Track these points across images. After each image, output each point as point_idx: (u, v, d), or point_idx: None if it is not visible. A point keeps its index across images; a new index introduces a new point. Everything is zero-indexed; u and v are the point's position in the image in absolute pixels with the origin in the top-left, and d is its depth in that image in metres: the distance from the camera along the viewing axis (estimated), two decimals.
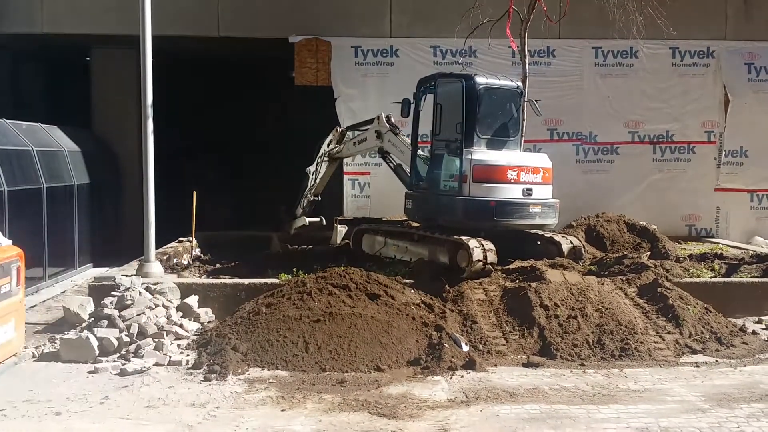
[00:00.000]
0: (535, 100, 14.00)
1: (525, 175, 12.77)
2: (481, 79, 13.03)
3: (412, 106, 13.68)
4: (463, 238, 12.12)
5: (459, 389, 8.56)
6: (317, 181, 16.01)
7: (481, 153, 12.74)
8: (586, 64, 18.89)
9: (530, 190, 12.80)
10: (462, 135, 12.77)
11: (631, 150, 19.04)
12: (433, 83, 13.57)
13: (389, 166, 15.00)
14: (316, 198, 16.16)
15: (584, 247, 13.88)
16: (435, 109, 13.33)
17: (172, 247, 15.59)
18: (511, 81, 13.69)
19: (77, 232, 16.45)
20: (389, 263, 13.41)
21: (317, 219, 16.11)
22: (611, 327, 10.16)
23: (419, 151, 13.99)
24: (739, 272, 13.27)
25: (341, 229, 15.69)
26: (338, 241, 15.54)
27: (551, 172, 13.23)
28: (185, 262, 14.76)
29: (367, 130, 15.10)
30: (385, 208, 17.09)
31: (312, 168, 16.01)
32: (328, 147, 15.95)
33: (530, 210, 12.73)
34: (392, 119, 14.53)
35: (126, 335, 9.89)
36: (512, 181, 12.67)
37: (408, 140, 14.27)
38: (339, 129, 16.12)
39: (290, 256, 14.81)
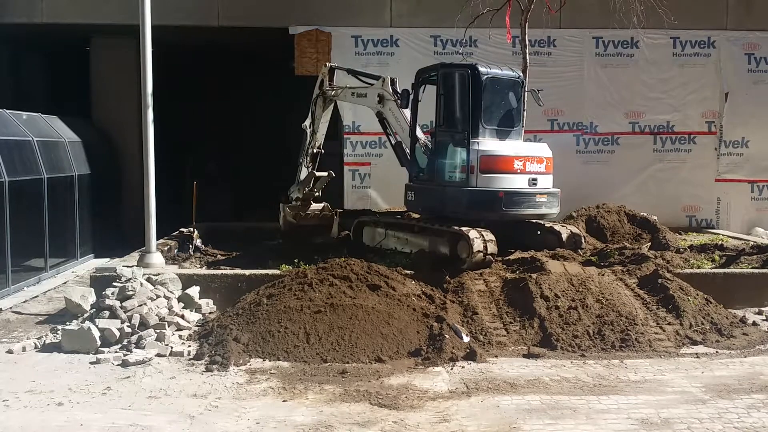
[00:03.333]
0: (537, 90, 13.97)
1: (530, 164, 12.80)
2: (485, 69, 13.00)
3: (411, 97, 13.60)
4: (464, 228, 12.12)
5: (460, 380, 8.58)
6: (317, 129, 15.33)
7: (487, 143, 12.73)
8: (587, 54, 18.86)
9: (535, 179, 12.84)
10: (468, 125, 12.74)
11: (632, 140, 19.03)
12: (434, 73, 13.50)
13: (388, 139, 14.62)
14: (320, 150, 15.47)
15: (584, 237, 13.90)
16: (438, 99, 13.28)
17: (173, 238, 15.59)
18: (512, 70, 13.67)
19: (78, 223, 16.43)
20: (390, 254, 13.41)
21: (325, 173, 15.40)
22: (612, 318, 10.18)
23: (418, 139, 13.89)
24: (740, 263, 13.29)
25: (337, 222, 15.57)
26: (337, 233, 15.49)
27: (552, 161, 13.26)
28: (186, 253, 14.77)
29: (370, 86, 14.60)
30: (386, 198, 17.07)
31: (308, 121, 15.42)
32: (320, 88, 15.32)
33: (537, 200, 12.78)
34: (397, 86, 14.02)
35: (127, 326, 9.91)
36: (518, 171, 12.69)
37: (409, 116, 14.06)
38: (329, 65, 15.54)
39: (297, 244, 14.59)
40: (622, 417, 7.48)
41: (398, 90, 14.00)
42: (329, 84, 15.32)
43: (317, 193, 15.71)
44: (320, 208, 15.72)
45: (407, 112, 13.96)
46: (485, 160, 12.55)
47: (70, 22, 18.24)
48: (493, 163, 12.59)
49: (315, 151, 15.46)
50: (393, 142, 14.48)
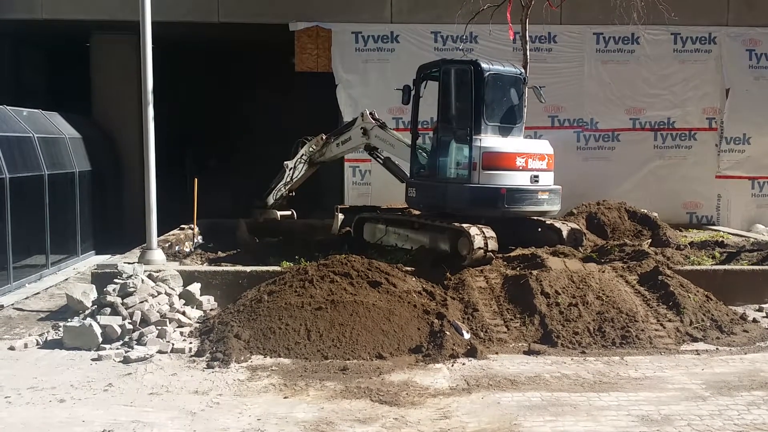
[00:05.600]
0: (540, 87, 13.96)
1: (532, 161, 12.79)
2: (487, 65, 12.99)
3: (412, 93, 13.62)
4: (464, 225, 12.12)
5: (460, 377, 8.60)
6: (293, 180, 15.92)
7: (489, 140, 12.70)
8: (588, 50, 18.87)
9: (537, 176, 12.82)
10: (471, 122, 12.73)
11: (632, 137, 19.04)
12: (435, 69, 13.49)
13: (378, 161, 15.05)
14: (291, 194, 16.06)
15: (585, 234, 13.90)
16: (440, 96, 13.27)
17: (174, 235, 15.60)
18: (514, 67, 13.65)
19: (79, 220, 16.44)
20: (390, 251, 13.42)
21: (288, 212, 16.03)
22: (612, 315, 10.20)
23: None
24: (740, 260, 13.31)
25: (340, 217, 15.66)
26: (338, 229, 15.53)
27: (553, 158, 13.25)
28: (187, 250, 14.78)
29: (350, 129, 15.10)
30: (386, 195, 17.07)
31: (291, 164, 15.85)
32: (309, 150, 15.82)
33: (539, 197, 12.77)
34: (376, 114, 14.57)
35: (129, 323, 9.93)
36: (521, 168, 12.68)
37: (396, 133, 14.33)
38: (324, 136, 15.90)
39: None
40: (623, 414, 7.49)
41: (378, 117, 14.53)
42: (318, 151, 15.67)
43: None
44: (288, 214, 16.30)
45: (393, 132, 14.33)
46: (487, 157, 12.53)
47: (70, 18, 18.24)
48: (496, 160, 12.58)
49: (286, 194, 16.04)
50: (381, 160, 14.71)
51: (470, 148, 12.65)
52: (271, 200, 16.04)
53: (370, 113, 14.57)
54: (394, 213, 14.88)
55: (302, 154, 15.82)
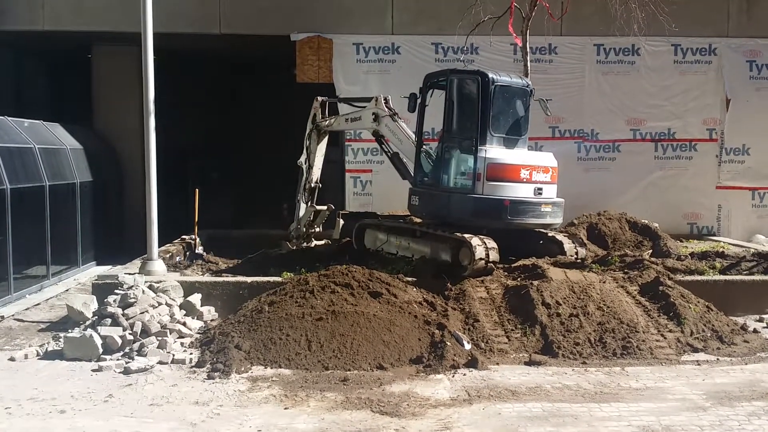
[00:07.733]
0: (546, 100, 13.95)
1: (536, 174, 12.79)
2: (494, 76, 12.96)
3: (418, 101, 13.60)
4: (466, 236, 12.12)
5: (461, 387, 8.59)
6: (313, 163, 15.53)
7: (494, 151, 12.70)
8: (588, 61, 18.92)
9: (540, 189, 12.81)
10: (476, 133, 12.73)
11: (633, 148, 19.07)
12: (443, 79, 13.45)
13: (385, 152, 14.79)
14: (318, 185, 15.64)
15: (586, 245, 13.90)
16: (446, 105, 13.26)
17: (175, 245, 15.61)
18: (521, 79, 13.65)
19: (80, 231, 16.46)
20: (391, 260, 13.39)
21: (325, 207, 15.57)
22: (613, 325, 10.19)
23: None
24: (740, 270, 13.29)
25: (340, 223, 15.60)
26: (338, 236, 15.49)
27: (557, 171, 13.25)
28: (188, 261, 14.79)
29: (363, 108, 14.77)
30: (387, 205, 17.09)
31: (303, 158, 15.57)
32: (313, 122, 15.47)
33: (542, 209, 12.75)
34: (390, 103, 14.27)
35: (129, 333, 9.93)
36: (525, 180, 12.67)
37: (407, 128, 14.13)
38: (320, 98, 15.58)
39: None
40: (623, 424, 7.49)
41: (391, 106, 14.17)
42: (322, 117, 15.40)
43: (317, 229, 15.83)
44: (322, 244, 15.77)
45: (404, 125, 14.07)
46: (492, 168, 12.53)
47: (71, 30, 18.30)
48: (500, 172, 12.57)
49: (312, 185, 15.61)
50: (390, 155, 14.55)
51: (475, 159, 12.64)
52: (303, 209, 15.62)
53: (385, 99, 14.24)
54: (395, 220, 14.85)
55: (309, 129, 15.44)
